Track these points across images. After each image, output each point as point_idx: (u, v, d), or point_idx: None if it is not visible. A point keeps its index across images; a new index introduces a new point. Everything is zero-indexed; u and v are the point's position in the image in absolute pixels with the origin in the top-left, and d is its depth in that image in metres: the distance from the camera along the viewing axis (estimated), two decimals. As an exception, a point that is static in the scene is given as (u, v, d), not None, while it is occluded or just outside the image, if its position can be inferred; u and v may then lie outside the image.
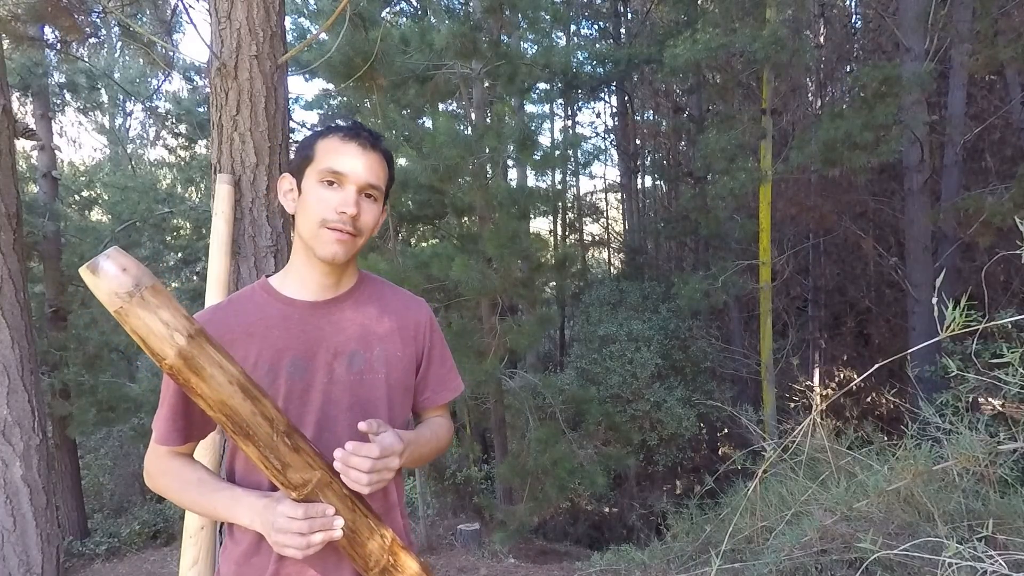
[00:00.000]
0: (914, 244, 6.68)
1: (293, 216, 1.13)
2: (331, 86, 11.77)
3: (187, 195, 11.95)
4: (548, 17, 7.87)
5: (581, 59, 11.41)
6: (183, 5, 4.46)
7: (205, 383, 0.84)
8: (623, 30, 13.47)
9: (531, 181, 11.88)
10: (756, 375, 8.07)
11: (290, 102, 6.10)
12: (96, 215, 10.51)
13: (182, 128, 11.39)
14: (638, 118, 14.31)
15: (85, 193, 10.55)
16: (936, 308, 1.57)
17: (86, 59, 9.71)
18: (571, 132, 13.86)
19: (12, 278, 3.24)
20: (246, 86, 2.40)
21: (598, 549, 4.90)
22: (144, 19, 8.81)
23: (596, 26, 13.95)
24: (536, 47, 9.80)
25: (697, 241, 11.26)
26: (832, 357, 10.69)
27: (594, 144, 15.24)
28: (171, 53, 8.99)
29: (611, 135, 15.24)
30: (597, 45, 13.05)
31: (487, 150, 5.96)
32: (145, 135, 17.99)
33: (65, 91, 9.36)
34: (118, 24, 8.46)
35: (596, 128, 16.66)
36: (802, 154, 6.54)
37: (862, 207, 8.67)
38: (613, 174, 18.21)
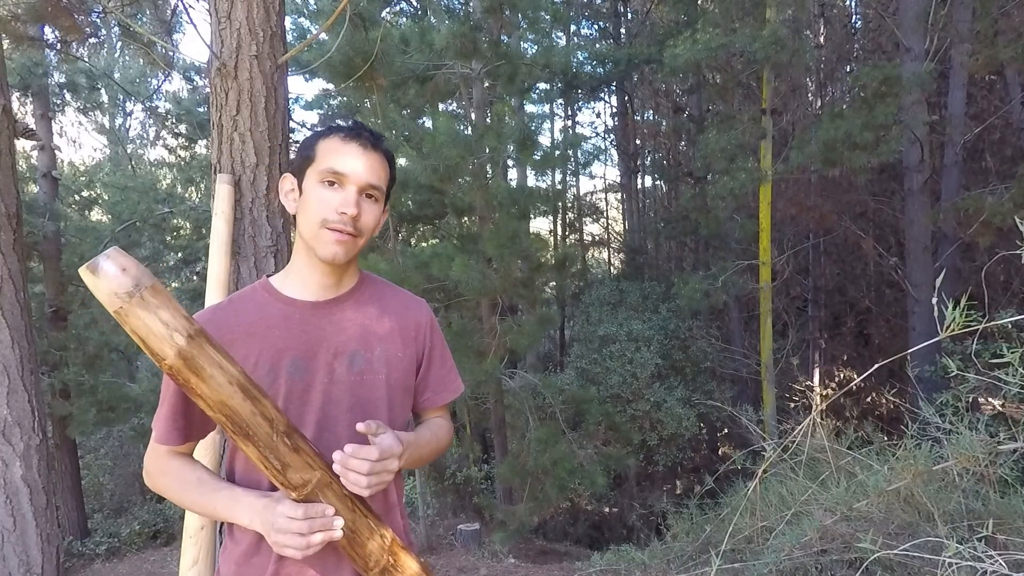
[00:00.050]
0: (914, 244, 6.68)
1: (294, 216, 1.13)
2: (331, 86, 11.78)
3: (187, 195, 11.96)
4: (548, 17, 7.87)
5: (581, 59, 11.41)
6: (183, 5, 4.46)
7: (205, 383, 0.84)
8: (623, 30, 13.47)
9: (531, 181, 11.89)
10: (756, 375, 8.07)
11: (290, 102, 6.10)
12: (96, 215, 10.51)
13: (182, 128, 11.39)
14: (638, 118, 14.31)
15: (85, 193, 10.55)
16: (936, 308, 1.57)
17: (86, 59, 9.72)
18: (571, 132, 13.86)
19: (12, 278, 3.24)
20: (246, 86, 2.40)
21: (598, 549, 4.90)
22: (144, 19, 8.81)
23: (596, 26, 13.96)
24: (536, 47, 9.80)
25: (697, 241, 11.26)
26: (832, 357, 10.69)
27: (594, 144, 15.25)
28: (171, 53, 8.99)
29: (611, 135, 15.25)
30: (597, 45, 13.05)
31: (487, 150, 5.96)
32: (145, 135, 17.99)
33: (65, 91, 9.36)
34: (118, 24, 8.46)
35: (596, 128, 16.68)
36: (802, 154, 6.54)
37: (862, 207, 8.67)
38: (613, 174, 18.23)
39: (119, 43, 13.12)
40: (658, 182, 15.27)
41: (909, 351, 2.38)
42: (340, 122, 1.18)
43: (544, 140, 15.02)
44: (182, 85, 12.42)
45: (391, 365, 1.15)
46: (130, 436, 7.94)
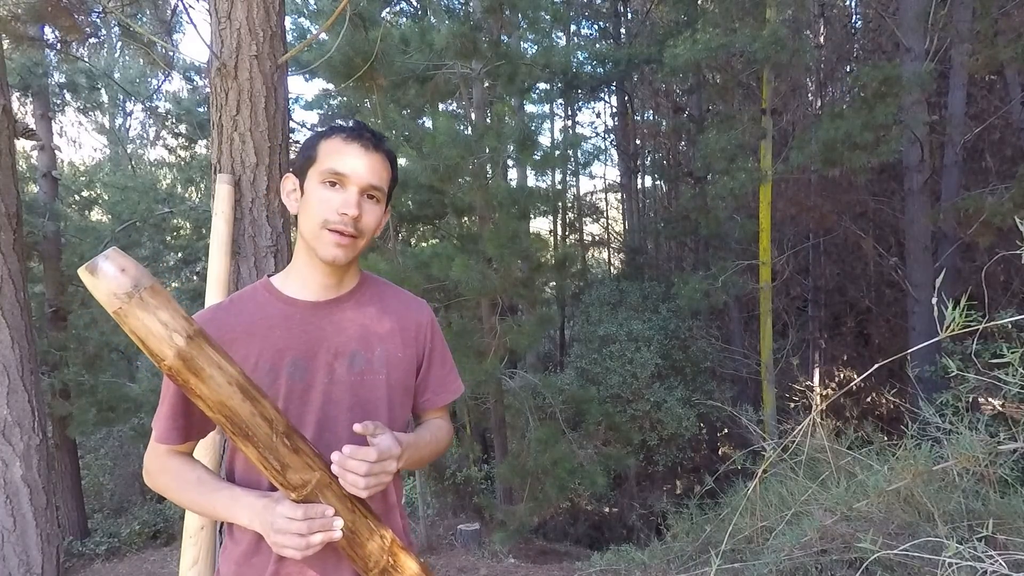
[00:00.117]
0: (914, 244, 6.68)
1: (296, 216, 1.13)
2: (331, 86, 11.78)
3: (187, 195, 11.96)
4: (548, 17, 7.87)
5: (581, 59, 11.41)
6: (183, 5, 4.46)
7: (204, 384, 0.84)
8: (623, 30, 13.47)
9: (531, 181, 11.89)
10: (756, 375, 8.07)
11: (290, 102, 6.11)
12: (96, 215, 10.51)
13: (182, 128, 11.39)
14: (638, 118, 14.31)
15: (85, 193, 10.55)
16: (936, 308, 1.57)
17: (86, 59, 9.72)
18: (571, 132, 13.86)
19: (12, 278, 3.24)
20: (246, 86, 2.40)
21: (598, 549, 4.90)
22: (144, 19, 8.81)
23: (596, 26, 13.95)
24: (536, 47, 9.80)
25: (697, 241, 11.26)
26: (832, 357, 10.69)
27: (594, 144, 15.26)
28: (171, 53, 9.00)
29: (611, 135, 15.25)
30: (597, 45, 13.05)
31: (487, 150, 5.96)
32: (145, 135, 18.00)
33: (65, 91, 9.36)
34: (118, 24, 8.46)
35: (596, 128, 16.68)
36: (802, 154, 6.54)
37: (862, 207, 8.67)
38: (613, 174, 18.24)
39: (119, 43, 13.12)
40: (658, 182, 15.27)
41: (909, 351, 2.38)
42: (340, 122, 1.18)
43: (544, 140, 15.04)
44: (182, 85, 12.44)
45: (391, 365, 1.15)
46: (130, 436, 7.94)
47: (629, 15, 13.77)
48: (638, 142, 13.96)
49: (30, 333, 3.35)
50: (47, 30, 6.90)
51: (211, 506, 1.04)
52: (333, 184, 1.06)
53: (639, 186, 14.72)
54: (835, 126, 6.06)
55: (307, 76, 14.47)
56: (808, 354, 9.80)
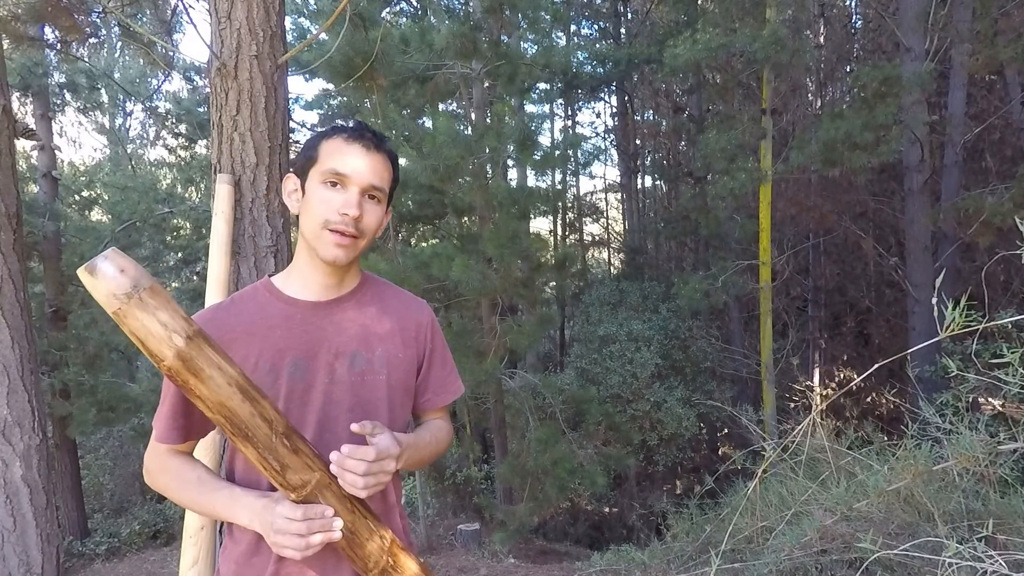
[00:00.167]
0: (914, 244, 6.68)
1: (297, 216, 1.13)
2: (331, 86, 11.78)
3: (187, 195, 11.96)
4: (548, 17, 7.87)
5: (581, 59, 11.41)
6: (183, 5, 4.46)
7: (204, 384, 0.84)
8: (623, 30, 13.47)
9: (531, 181, 11.88)
10: (756, 375, 8.07)
11: (290, 102, 6.10)
12: (96, 215, 10.51)
13: (182, 128, 11.40)
14: (638, 118, 14.31)
15: (85, 193, 10.55)
16: (936, 308, 1.57)
17: (86, 59, 9.72)
18: (571, 132, 13.86)
19: (12, 278, 3.24)
20: (246, 86, 2.40)
21: (598, 549, 4.90)
22: (144, 19, 8.81)
23: (596, 26, 13.96)
24: (536, 47, 9.80)
25: (697, 241, 11.26)
26: (832, 357, 10.69)
27: (594, 144, 15.26)
28: (171, 53, 8.99)
29: (611, 135, 15.25)
30: (597, 45, 13.05)
31: (487, 150, 5.96)
32: (145, 135, 18.00)
33: (65, 91, 9.37)
34: (118, 24, 8.46)
35: (596, 128, 16.68)
36: (802, 154, 6.54)
37: (862, 207, 8.67)
38: (613, 174, 18.24)
39: (119, 43, 13.13)
40: (658, 182, 15.27)
41: (909, 351, 2.38)
42: (340, 122, 1.18)
43: (544, 140, 15.04)
44: (182, 85, 12.44)
45: (392, 366, 1.15)
46: (130, 436, 7.94)
47: (629, 15, 13.77)
48: (638, 142, 13.96)
49: (30, 333, 3.35)
50: (47, 30, 6.90)
51: (211, 506, 1.04)
52: (334, 184, 1.06)
53: (639, 186, 14.72)
54: (835, 126, 6.06)
55: (307, 76, 14.48)
56: (808, 354, 9.80)
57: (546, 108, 14.03)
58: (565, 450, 6.02)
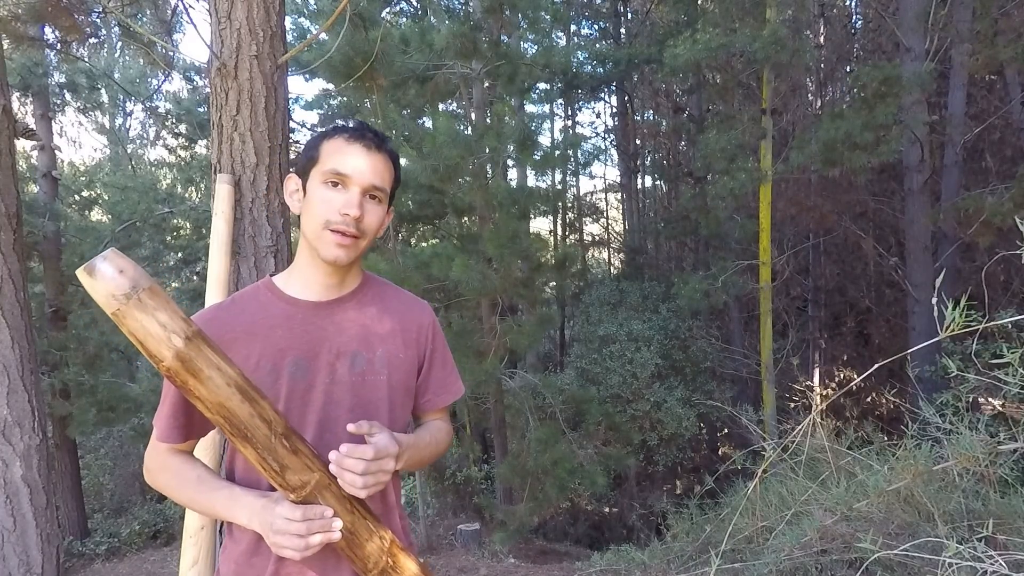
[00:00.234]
0: (914, 244, 6.68)
1: (299, 216, 1.13)
2: (331, 86, 11.78)
3: (187, 195, 11.96)
4: (548, 17, 7.87)
5: (581, 59, 11.40)
6: (183, 5, 4.46)
7: (203, 385, 0.84)
8: (623, 30, 13.47)
9: (531, 181, 11.88)
10: (756, 375, 8.06)
11: (290, 102, 6.10)
12: (96, 215, 10.51)
13: (182, 128, 11.40)
14: (638, 118, 14.31)
15: (85, 193, 10.56)
16: (936, 308, 1.57)
17: (86, 59, 9.72)
18: (571, 132, 13.87)
19: (12, 278, 3.24)
20: (246, 86, 2.40)
21: (598, 549, 4.90)
22: (144, 19, 8.81)
23: (596, 26, 13.95)
24: (536, 47, 9.80)
25: (697, 241, 11.26)
26: (832, 357, 10.69)
27: (594, 144, 15.26)
28: (171, 53, 9.00)
29: (611, 135, 15.25)
30: (597, 45, 13.05)
31: (487, 150, 5.96)
32: (145, 135, 18.00)
33: (65, 91, 9.37)
34: (118, 24, 8.46)
35: (596, 128, 16.68)
36: (802, 154, 6.54)
37: (862, 207, 8.67)
38: (613, 174, 18.24)
39: (119, 43, 13.13)
40: (658, 182, 15.27)
41: (909, 351, 2.38)
42: (340, 122, 1.18)
43: (544, 140, 15.05)
44: (182, 85, 12.44)
45: (392, 366, 1.15)
46: (130, 436, 7.94)
47: (629, 15, 13.76)
48: (638, 142, 13.95)
49: (30, 333, 3.35)
50: (47, 30, 6.90)
51: (211, 505, 1.04)
52: (335, 184, 1.06)
53: (639, 186, 14.72)
54: (835, 126, 6.06)
55: (307, 76, 14.48)
56: (808, 354, 9.80)
57: (546, 108, 14.04)
58: (565, 450, 6.02)
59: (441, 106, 9.68)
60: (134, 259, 0.81)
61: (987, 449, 2.30)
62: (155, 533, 7.14)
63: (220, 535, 2.08)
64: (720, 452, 10.47)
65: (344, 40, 4.92)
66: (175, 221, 9.64)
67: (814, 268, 10.05)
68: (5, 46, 5.76)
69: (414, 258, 6.60)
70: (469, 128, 6.92)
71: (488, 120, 6.89)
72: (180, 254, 11.32)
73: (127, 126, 17.62)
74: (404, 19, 10.12)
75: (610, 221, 17.14)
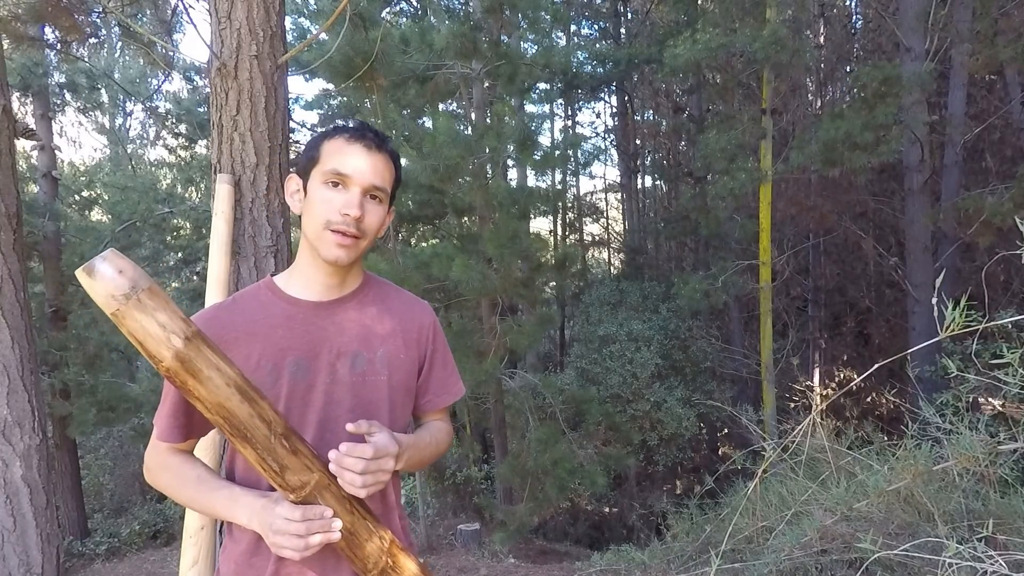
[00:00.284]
0: (914, 244, 6.68)
1: (299, 216, 1.13)
2: (331, 86, 11.78)
3: (187, 195, 11.97)
4: (548, 17, 7.86)
5: (581, 59, 11.40)
6: (183, 5, 4.46)
7: (202, 385, 0.84)
8: (623, 30, 13.47)
9: (531, 181, 11.88)
10: (756, 375, 8.06)
11: (290, 102, 6.10)
12: (96, 215, 10.51)
13: (182, 128, 11.40)
14: (638, 118, 14.31)
15: (85, 193, 10.56)
16: (936, 308, 1.57)
17: (86, 59, 9.72)
18: (571, 132, 13.87)
19: (12, 278, 3.24)
20: (246, 86, 2.40)
21: (598, 549, 4.90)
22: (144, 19, 8.81)
23: (596, 26, 13.96)
24: (536, 47, 9.79)
25: (697, 241, 11.26)
26: (832, 357, 10.69)
27: (594, 144, 15.25)
28: (171, 53, 9.00)
29: (611, 135, 15.25)
30: (597, 45, 13.05)
31: (487, 150, 5.96)
32: (145, 135, 18.01)
33: (65, 91, 9.37)
34: (118, 24, 8.46)
35: (596, 128, 16.67)
36: (802, 154, 6.54)
37: (862, 207, 8.67)
38: (613, 174, 18.24)
39: (119, 43, 13.13)
40: (658, 182, 15.27)
41: (909, 351, 2.39)
42: (340, 122, 1.18)
43: (544, 140, 15.05)
44: (182, 85, 12.44)
45: (393, 366, 1.15)
46: (130, 436, 7.94)
47: (629, 15, 13.76)
48: (638, 142, 13.95)
49: (30, 333, 3.35)
50: (47, 30, 6.90)
51: (210, 505, 1.04)
52: (336, 184, 1.06)
53: (639, 186, 14.72)
54: (835, 126, 6.06)
55: (307, 76, 14.48)
56: (808, 354, 9.80)
57: (546, 108, 14.04)
58: (565, 450, 6.02)
59: (441, 106, 9.68)
60: (134, 259, 0.81)
61: (987, 449, 2.30)
62: (155, 533, 7.13)
63: (220, 535, 2.08)
64: (720, 452, 10.47)
65: (344, 40, 4.92)
66: (175, 221, 9.64)
67: (814, 268, 10.05)
68: (5, 46, 5.76)
69: (414, 258, 6.60)
70: (469, 128, 6.92)
71: (488, 120, 6.89)
72: (180, 254, 11.32)
73: (127, 126, 17.63)
74: (404, 19, 10.12)
75: (610, 221, 17.14)
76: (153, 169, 15.02)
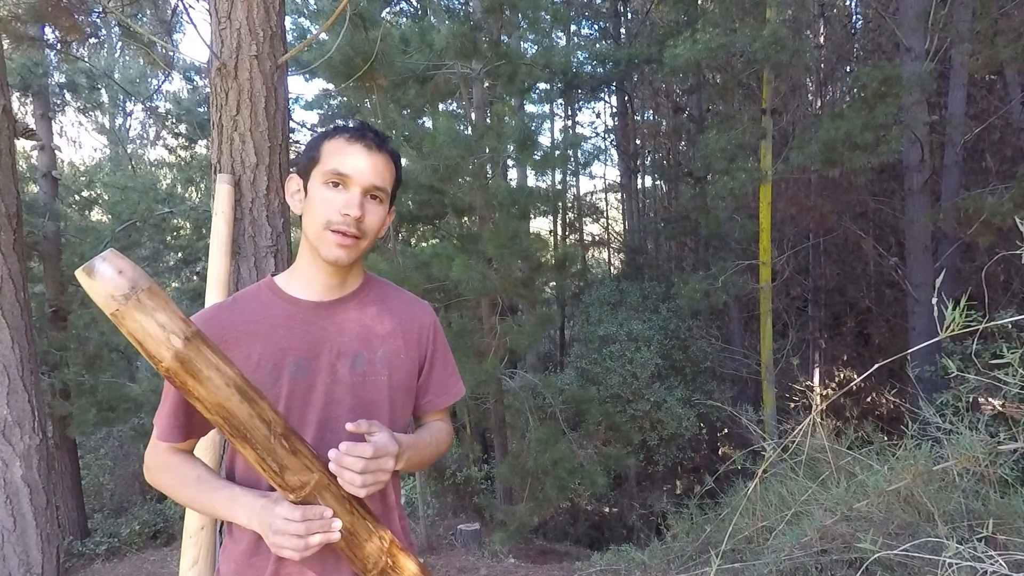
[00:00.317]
0: (914, 244, 6.68)
1: (300, 217, 1.13)
2: (331, 86, 11.78)
3: (187, 195, 11.96)
4: (548, 17, 7.86)
5: (581, 59, 11.40)
6: (183, 5, 4.46)
7: (202, 386, 0.84)
8: (623, 30, 13.47)
9: (531, 181, 11.88)
10: (756, 375, 8.06)
11: (290, 102, 6.10)
12: (96, 215, 10.51)
13: (182, 128, 11.40)
14: (638, 118, 14.31)
15: (85, 193, 10.56)
16: (936, 308, 1.57)
17: (86, 59, 9.72)
18: (571, 132, 13.87)
19: (12, 278, 3.24)
20: (246, 86, 2.40)
21: (598, 549, 4.90)
22: (144, 19, 8.81)
23: (596, 26, 13.96)
24: (536, 47, 9.79)
25: (697, 241, 11.26)
26: (832, 357, 10.69)
27: (594, 144, 15.25)
28: (171, 53, 9.00)
29: (611, 135, 15.25)
30: (597, 45, 13.05)
31: (487, 150, 5.96)
32: (145, 135, 18.01)
33: (65, 91, 9.37)
34: (118, 24, 8.46)
35: (596, 128, 16.67)
36: (802, 154, 6.54)
37: (862, 207, 8.67)
38: (613, 174, 18.24)
39: (119, 43, 13.12)
40: (658, 182, 15.27)
41: (909, 351, 2.39)
42: (342, 122, 1.19)
43: (544, 140, 15.05)
44: (182, 85, 12.44)
45: (393, 367, 1.15)
46: (130, 436, 7.94)
47: (629, 15, 13.76)
48: (638, 142, 13.95)
49: (30, 333, 3.35)
50: (47, 30, 6.89)
51: (210, 505, 1.05)
52: (336, 184, 1.06)
53: (639, 186, 14.72)
54: (835, 126, 6.06)
55: (307, 76, 14.48)
56: (808, 354, 9.80)
57: (546, 108, 14.04)
58: (565, 450, 6.02)
59: (441, 106, 9.68)
60: (134, 259, 0.81)
61: (987, 449, 2.30)
62: (155, 533, 7.13)
63: (220, 535, 2.08)
64: (720, 452, 10.47)
65: (344, 40, 4.92)
66: (175, 221, 9.64)
67: (814, 268, 10.05)
68: (5, 46, 5.76)
69: (414, 258, 6.60)
70: (469, 128, 6.92)
71: (488, 120, 6.89)
72: (180, 254, 11.32)
73: (127, 126, 17.63)
74: (404, 19, 10.12)
75: (610, 221, 17.14)
76: (153, 169, 15.02)
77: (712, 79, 10.41)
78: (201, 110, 10.71)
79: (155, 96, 12.79)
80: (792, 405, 7.77)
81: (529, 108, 12.93)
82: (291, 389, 1.06)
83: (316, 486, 0.94)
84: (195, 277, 11.18)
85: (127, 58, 14.52)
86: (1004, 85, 7.62)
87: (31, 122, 7.44)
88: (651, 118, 14.70)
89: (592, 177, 17.56)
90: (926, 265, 6.59)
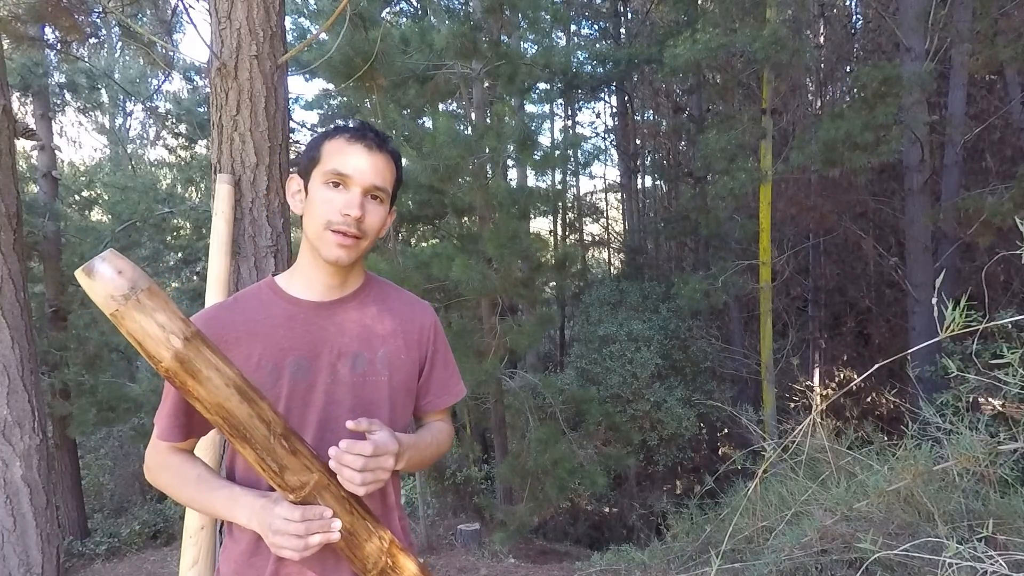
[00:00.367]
0: (914, 244, 6.68)
1: (301, 217, 1.13)
2: (331, 86, 11.78)
3: (187, 195, 11.96)
4: (548, 17, 7.86)
5: (581, 59, 11.40)
6: (183, 5, 4.46)
7: (202, 386, 0.84)
8: (623, 30, 13.47)
9: (531, 181, 11.87)
10: (756, 375, 8.06)
11: (290, 102, 6.11)
12: (96, 215, 10.51)
13: (182, 128, 11.40)
14: (638, 118, 14.31)
15: (85, 193, 10.56)
16: (936, 308, 1.57)
17: (86, 59, 9.71)
18: (571, 132, 13.87)
19: (12, 278, 3.24)
20: (246, 86, 2.40)
21: (598, 549, 4.90)
22: (144, 19, 8.81)
23: (596, 26, 13.96)
24: (536, 47, 9.79)
25: (697, 241, 11.25)
26: (832, 357, 10.69)
27: (594, 144, 15.24)
28: (171, 53, 9.00)
29: (611, 135, 15.25)
30: (597, 45, 13.05)
31: (487, 150, 5.96)
32: (145, 135, 18.01)
33: (65, 91, 9.37)
34: (118, 24, 8.46)
35: (596, 128, 16.66)
36: (802, 154, 6.54)
37: (862, 207, 8.67)
38: (613, 174, 18.24)
39: (119, 43, 13.12)
40: (658, 182, 15.27)
41: (909, 351, 2.38)
42: (340, 122, 1.19)
43: (544, 140, 15.05)
44: (182, 85, 12.45)
45: (394, 367, 1.15)
46: (130, 436, 7.94)
47: (629, 15, 13.76)
48: (638, 142, 13.95)
49: (30, 333, 3.34)
50: (47, 30, 6.90)
51: (210, 504, 1.05)
52: (336, 185, 1.06)
53: (639, 186, 14.72)
54: (835, 126, 6.06)
55: (307, 76, 14.48)
56: (808, 354, 9.80)
57: (546, 108, 14.03)
58: (565, 450, 6.02)
59: (441, 106, 9.68)
60: (134, 259, 0.81)
61: (987, 449, 2.30)
62: (155, 533, 7.14)
63: (220, 535, 2.08)
64: (720, 452, 10.47)
65: (344, 40, 4.92)
66: (175, 221, 9.64)
67: (814, 268, 10.05)
68: (5, 46, 5.76)
69: (414, 258, 6.61)
70: (469, 128, 6.92)
71: (488, 120, 6.89)
72: (180, 254, 11.32)
73: (127, 126, 17.63)
74: (404, 19, 10.12)
75: (610, 221, 17.14)
76: (153, 169, 15.02)
77: (712, 79, 10.41)
78: (201, 110, 10.71)
79: (155, 96, 12.80)
80: (792, 405, 7.77)
81: (529, 108, 12.93)
82: (291, 389, 1.06)
83: (316, 486, 0.94)
84: (195, 277, 11.18)
85: (127, 58, 14.52)
86: (1004, 85, 7.62)
87: (31, 122, 7.44)
88: (651, 118, 14.69)
89: (592, 177, 17.57)
90: (926, 265, 6.59)
